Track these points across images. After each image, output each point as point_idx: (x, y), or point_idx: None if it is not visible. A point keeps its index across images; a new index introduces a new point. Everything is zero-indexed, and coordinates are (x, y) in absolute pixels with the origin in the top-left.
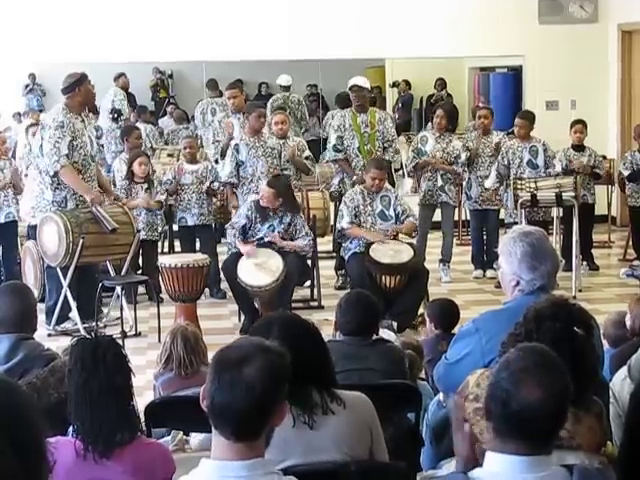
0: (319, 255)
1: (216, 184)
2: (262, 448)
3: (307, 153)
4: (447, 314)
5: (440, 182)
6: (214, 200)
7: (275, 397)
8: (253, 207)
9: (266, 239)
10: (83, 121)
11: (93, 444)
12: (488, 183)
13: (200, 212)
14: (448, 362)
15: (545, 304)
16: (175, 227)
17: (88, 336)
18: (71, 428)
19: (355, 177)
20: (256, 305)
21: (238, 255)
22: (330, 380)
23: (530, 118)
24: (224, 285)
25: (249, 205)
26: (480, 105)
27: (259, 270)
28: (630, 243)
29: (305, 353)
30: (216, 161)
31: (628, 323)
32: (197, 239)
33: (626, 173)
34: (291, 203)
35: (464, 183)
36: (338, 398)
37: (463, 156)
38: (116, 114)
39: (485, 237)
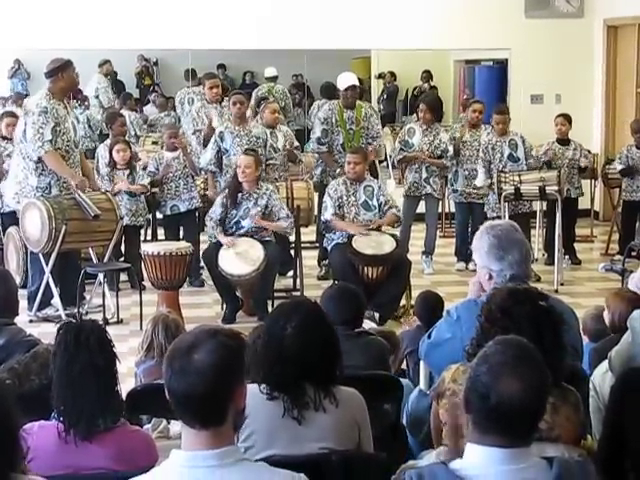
0: (302, 245)
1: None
2: (231, 435)
3: (295, 143)
4: (429, 307)
5: (425, 174)
6: (198, 181)
7: (230, 379)
8: (227, 192)
9: (243, 222)
10: (66, 107)
11: (74, 427)
12: (479, 182)
13: (190, 196)
14: (430, 341)
15: (500, 296)
16: (160, 215)
17: (73, 320)
18: (54, 412)
19: (338, 170)
20: (238, 294)
21: (219, 244)
22: (331, 377)
23: (508, 111)
24: (204, 274)
25: (224, 192)
26: (472, 99)
27: (240, 259)
28: (612, 238)
29: (316, 347)
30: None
31: (607, 319)
32: (181, 227)
33: (619, 167)
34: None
35: (450, 175)
36: (332, 395)
37: (451, 149)
38: (80, 99)
39: (470, 230)
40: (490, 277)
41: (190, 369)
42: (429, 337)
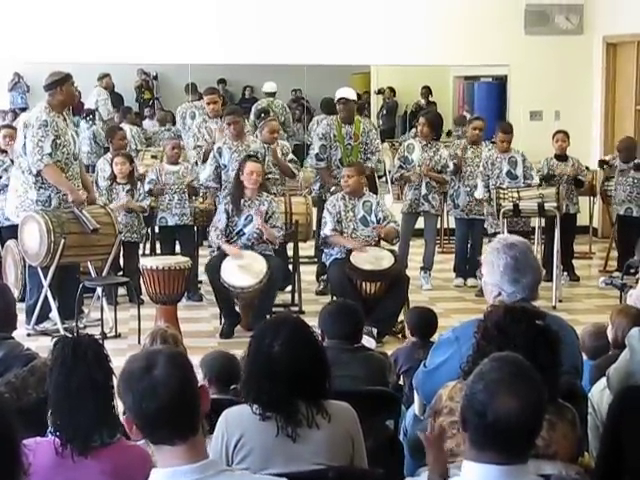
0: (300, 260)
1: (196, 182)
2: (205, 445)
3: (290, 156)
4: (425, 322)
5: (424, 191)
6: (197, 202)
7: (192, 385)
8: (229, 200)
9: (245, 230)
10: (65, 120)
11: (71, 442)
12: (478, 194)
13: (182, 212)
14: (426, 369)
15: (497, 314)
16: (156, 228)
17: (69, 335)
18: (50, 427)
19: (334, 188)
20: (237, 309)
21: (222, 256)
22: (321, 392)
23: (512, 131)
24: (203, 289)
25: (226, 200)
26: (470, 116)
27: (242, 272)
28: (611, 255)
29: (304, 363)
30: (195, 163)
31: (610, 335)
32: (177, 241)
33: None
34: (265, 182)
35: (452, 191)
36: (324, 411)
37: (451, 165)
38: (87, 114)
39: (470, 246)
40: (499, 294)
41: (157, 385)
42: (425, 366)
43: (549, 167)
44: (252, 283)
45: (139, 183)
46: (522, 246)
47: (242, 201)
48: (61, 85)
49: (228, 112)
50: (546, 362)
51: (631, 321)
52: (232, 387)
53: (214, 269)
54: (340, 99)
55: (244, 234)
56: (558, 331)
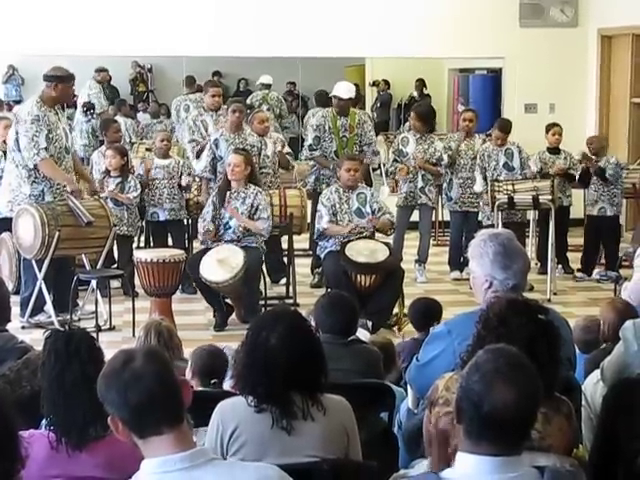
0: (295, 253)
1: (189, 178)
2: (192, 438)
3: (287, 149)
4: (427, 314)
5: (420, 183)
6: (191, 195)
7: (172, 376)
8: (215, 191)
9: (231, 222)
10: (57, 114)
11: (66, 436)
12: (477, 188)
13: (171, 207)
14: (419, 363)
15: (499, 305)
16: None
17: (61, 328)
18: (44, 421)
19: (332, 164)
20: (228, 301)
21: (204, 251)
22: (317, 385)
23: (510, 128)
24: None
25: (214, 192)
26: (464, 108)
27: (219, 266)
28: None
29: (301, 356)
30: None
31: (601, 329)
32: (169, 234)
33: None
34: (256, 175)
35: (445, 184)
36: (320, 403)
37: (445, 157)
38: (87, 107)
39: (464, 238)
40: (490, 286)
41: (140, 375)
42: (417, 360)
43: (542, 161)
44: (226, 277)
45: (130, 176)
46: (507, 234)
47: (229, 194)
48: (59, 82)
49: (235, 100)
50: (545, 357)
51: (619, 315)
52: (212, 382)
53: (194, 264)
54: (334, 96)
55: (230, 227)
56: (560, 327)
